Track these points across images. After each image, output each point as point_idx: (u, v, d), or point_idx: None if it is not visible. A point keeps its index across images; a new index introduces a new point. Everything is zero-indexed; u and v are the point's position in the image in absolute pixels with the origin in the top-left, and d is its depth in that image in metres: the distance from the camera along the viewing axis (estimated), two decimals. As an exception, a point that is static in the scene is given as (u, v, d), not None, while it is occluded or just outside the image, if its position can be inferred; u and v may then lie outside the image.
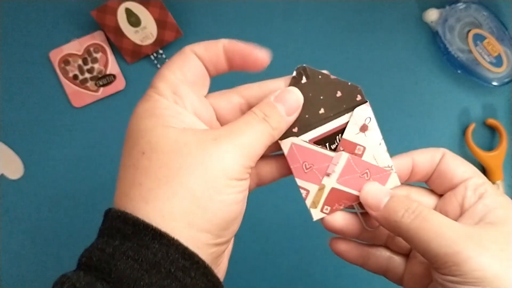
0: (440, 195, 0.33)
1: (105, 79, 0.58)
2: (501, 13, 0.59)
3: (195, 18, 0.59)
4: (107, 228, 0.27)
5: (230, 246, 0.34)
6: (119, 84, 0.58)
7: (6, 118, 0.58)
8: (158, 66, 0.58)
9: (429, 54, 0.60)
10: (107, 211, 0.28)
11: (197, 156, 0.27)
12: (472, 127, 0.58)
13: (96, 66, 0.58)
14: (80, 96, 0.58)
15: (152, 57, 0.58)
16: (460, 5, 0.58)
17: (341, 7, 0.60)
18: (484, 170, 0.59)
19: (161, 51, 0.58)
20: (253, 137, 0.28)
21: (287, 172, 0.35)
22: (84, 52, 0.57)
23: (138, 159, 0.28)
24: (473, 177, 0.31)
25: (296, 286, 0.59)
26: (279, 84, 0.32)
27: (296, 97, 0.31)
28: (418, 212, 0.29)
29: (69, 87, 0.58)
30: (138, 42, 0.57)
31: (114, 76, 0.58)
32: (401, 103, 0.60)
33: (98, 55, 0.58)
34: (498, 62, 0.58)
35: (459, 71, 0.58)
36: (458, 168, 0.32)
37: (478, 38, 0.58)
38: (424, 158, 0.33)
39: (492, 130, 0.60)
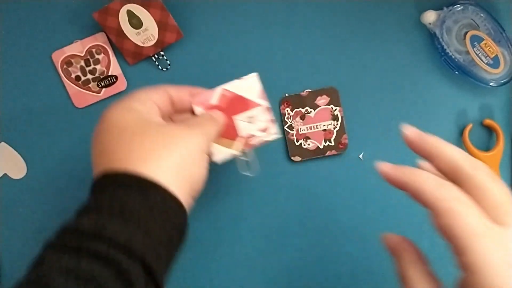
0: None
1: (107, 80, 0.59)
2: (499, 14, 0.59)
3: (196, 20, 0.60)
4: (115, 181, 0.36)
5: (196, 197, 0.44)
6: (121, 85, 0.59)
7: (9, 118, 0.59)
8: (159, 67, 0.59)
9: (427, 56, 0.60)
10: (102, 174, 0.38)
11: (181, 137, 0.38)
12: (469, 127, 0.59)
13: (98, 67, 0.59)
14: (82, 97, 0.59)
15: (153, 58, 0.59)
16: (458, 7, 0.59)
17: (340, 8, 0.60)
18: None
19: (162, 53, 0.59)
20: (210, 128, 0.43)
21: None
22: (86, 53, 0.58)
23: (131, 140, 0.37)
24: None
25: (296, 286, 0.60)
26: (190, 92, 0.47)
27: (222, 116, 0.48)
28: None
29: (72, 88, 0.59)
30: (139, 43, 0.58)
31: (115, 77, 0.59)
32: (398, 104, 0.60)
33: (100, 57, 0.58)
34: (495, 63, 0.58)
35: (456, 72, 0.59)
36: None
37: (476, 39, 0.58)
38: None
39: (489, 130, 0.60)
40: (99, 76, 0.59)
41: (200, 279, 0.60)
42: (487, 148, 0.60)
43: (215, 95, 0.48)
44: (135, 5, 0.56)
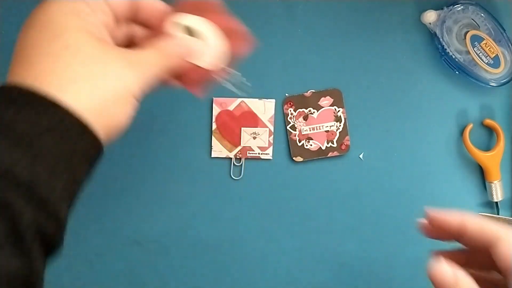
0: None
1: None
2: (499, 14, 0.60)
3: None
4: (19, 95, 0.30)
5: None
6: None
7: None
8: None
9: (427, 55, 0.60)
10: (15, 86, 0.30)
11: (114, 72, 0.32)
12: (469, 127, 0.59)
13: None
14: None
15: None
16: (458, 7, 0.59)
17: (340, 8, 0.60)
18: (482, 170, 0.60)
19: None
20: (153, 71, 0.35)
21: None
22: None
23: (61, 50, 0.31)
24: None
25: (296, 286, 0.60)
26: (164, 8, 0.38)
27: (189, 46, 0.38)
28: None
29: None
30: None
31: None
32: (399, 104, 0.60)
33: None
34: (495, 63, 0.58)
35: (457, 72, 0.59)
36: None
37: (476, 39, 0.58)
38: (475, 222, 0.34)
39: (490, 130, 0.61)
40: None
41: (200, 279, 0.60)
42: (487, 148, 0.60)
43: (234, 103, 0.57)
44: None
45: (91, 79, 0.31)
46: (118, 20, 0.36)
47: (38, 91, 0.29)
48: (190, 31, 0.39)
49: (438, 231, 0.35)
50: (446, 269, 0.32)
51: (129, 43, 0.39)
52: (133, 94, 0.33)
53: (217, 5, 0.41)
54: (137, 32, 0.40)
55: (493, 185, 0.58)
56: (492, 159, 0.58)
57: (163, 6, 0.38)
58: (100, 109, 0.31)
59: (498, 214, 0.59)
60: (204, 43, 0.39)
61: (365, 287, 0.60)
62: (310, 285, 0.60)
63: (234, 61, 0.42)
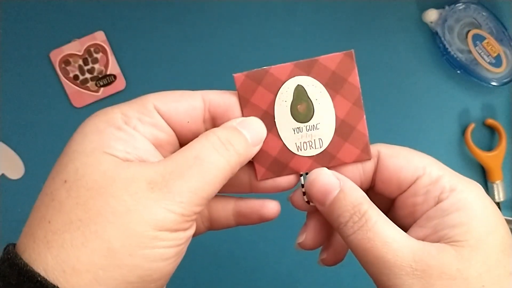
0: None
1: (106, 79, 0.58)
2: (501, 13, 0.59)
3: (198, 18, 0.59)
4: None
5: None
6: (119, 84, 0.58)
7: (7, 118, 0.58)
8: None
9: (429, 55, 0.60)
10: (6, 246, 0.22)
11: (124, 203, 0.21)
12: (471, 127, 0.59)
13: (96, 66, 0.58)
14: (81, 96, 0.58)
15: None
16: (460, 6, 0.58)
17: (341, 7, 0.60)
18: (483, 170, 0.59)
19: None
20: (205, 177, 0.23)
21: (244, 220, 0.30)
22: (84, 53, 0.58)
23: (58, 188, 0.23)
24: (425, 173, 0.25)
25: (296, 286, 0.60)
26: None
27: (261, 126, 0.28)
28: (364, 220, 0.24)
29: (70, 87, 0.58)
30: (292, 148, 0.30)
31: (114, 76, 0.58)
32: (400, 103, 0.60)
33: (99, 56, 0.58)
34: (497, 62, 0.58)
35: (458, 71, 0.59)
36: (403, 164, 0.26)
37: (478, 38, 0.58)
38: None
39: (492, 130, 0.60)
40: (97, 76, 0.58)
41: (200, 279, 0.59)
42: (489, 147, 0.60)
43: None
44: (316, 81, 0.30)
45: (85, 225, 0.21)
46: (187, 132, 0.26)
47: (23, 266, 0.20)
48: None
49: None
50: (329, 175, 0.26)
51: None
52: (163, 227, 0.22)
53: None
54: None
55: (495, 185, 0.58)
56: (494, 159, 0.58)
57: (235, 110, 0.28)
58: (106, 265, 0.21)
59: (500, 214, 0.59)
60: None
61: (365, 287, 0.59)
62: (311, 285, 0.59)
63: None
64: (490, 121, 0.59)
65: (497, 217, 0.24)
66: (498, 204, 0.59)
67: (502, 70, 0.58)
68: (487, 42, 0.58)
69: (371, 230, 0.23)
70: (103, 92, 0.58)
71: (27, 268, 0.20)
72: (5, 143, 0.58)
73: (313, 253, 0.59)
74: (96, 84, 0.58)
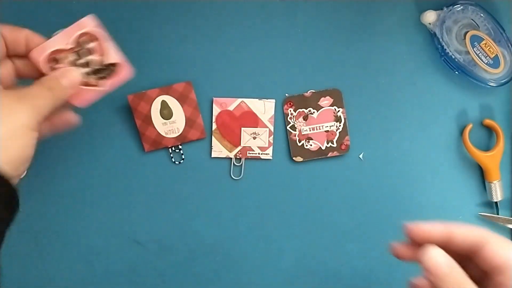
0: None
1: (107, 70, 0.48)
2: (498, 14, 0.60)
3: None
4: None
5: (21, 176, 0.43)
6: (124, 72, 0.48)
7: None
8: (173, 159, 0.60)
9: (427, 56, 0.61)
10: None
11: (6, 110, 0.37)
12: (469, 127, 0.59)
13: (92, 58, 0.47)
14: (83, 95, 0.47)
15: (170, 150, 0.59)
16: (458, 7, 0.59)
17: (340, 8, 0.60)
18: (481, 170, 0.60)
19: (180, 146, 0.60)
20: (43, 102, 0.40)
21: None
22: (73, 45, 0.46)
23: None
24: None
25: (296, 286, 0.60)
26: (27, 33, 0.43)
27: (76, 75, 0.44)
28: None
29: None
30: (162, 133, 0.58)
31: (114, 65, 0.47)
32: (399, 104, 0.60)
33: (92, 45, 0.47)
34: (495, 63, 0.58)
35: (456, 72, 0.59)
36: (505, 252, 0.32)
37: (476, 39, 0.58)
38: (461, 233, 0.34)
39: (489, 130, 0.61)
40: (96, 68, 0.47)
41: (200, 279, 0.60)
42: (487, 148, 0.60)
43: (235, 103, 0.59)
44: (171, 98, 0.58)
45: None
46: None
47: None
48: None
49: (414, 247, 0.35)
50: (441, 256, 0.32)
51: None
52: (27, 126, 0.38)
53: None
54: (20, 67, 0.44)
55: (492, 185, 0.59)
56: (491, 159, 0.58)
57: (28, 33, 0.43)
58: (2, 151, 0.36)
59: (498, 214, 0.60)
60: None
61: (365, 287, 0.60)
62: (310, 285, 0.60)
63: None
64: (488, 121, 0.59)
65: None
66: (496, 203, 0.59)
67: (500, 71, 0.58)
68: (485, 43, 0.58)
69: None
70: (108, 84, 0.48)
71: None
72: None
73: (313, 253, 0.60)
74: (97, 78, 0.47)
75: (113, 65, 0.48)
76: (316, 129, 0.59)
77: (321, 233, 0.60)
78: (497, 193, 0.59)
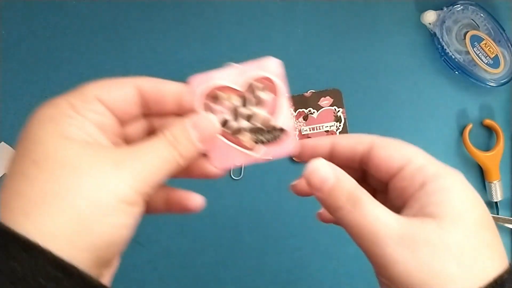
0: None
1: (268, 134, 0.33)
2: (498, 15, 0.60)
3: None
4: None
5: (112, 268, 0.33)
6: (289, 145, 0.33)
7: (9, 118, 0.58)
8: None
9: (427, 56, 0.61)
10: None
11: (92, 178, 0.25)
12: (469, 127, 0.59)
13: (259, 112, 0.33)
14: (224, 154, 0.34)
15: None
16: (458, 7, 0.59)
17: (340, 9, 0.60)
18: (481, 170, 0.60)
19: None
20: (156, 165, 0.28)
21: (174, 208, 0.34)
22: (245, 88, 0.33)
23: (28, 167, 0.25)
24: (412, 161, 0.29)
25: (296, 286, 0.60)
26: (178, 87, 0.30)
27: (212, 125, 0.30)
28: (358, 202, 0.27)
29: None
30: None
31: (281, 131, 0.33)
32: (399, 104, 0.60)
33: (265, 96, 0.33)
34: (495, 63, 0.58)
35: (456, 72, 0.59)
36: (392, 154, 0.30)
37: (476, 39, 0.58)
38: (346, 142, 0.32)
39: (489, 130, 0.61)
40: (258, 126, 0.33)
41: (200, 279, 0.60)
42: (487, 148, 0.60)
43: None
44: None
45: (59, 196, 0.24)
46: (125, 117, 0.30)
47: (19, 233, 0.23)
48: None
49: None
50: (325, 166, 0.28)
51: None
52: (124, 200, 0.26)
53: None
54: (158, 124, 0.32)
55: (492, 185, 0.59)
56: (491, 159, 0.58)
57: (180, 88, 0.30)
58: (78, 230, 0.24)
59: (497, 214, 0.60)
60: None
61: (365, 287, 0.60)
62: (310, 285, 0.60)
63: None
64: (488, 121, 0.60)
65: (476, 198, 0.27)
66: (496, 203, 0.59)
67: (499, 71, 0.58)
68: (485, 43, 0.58)
69: (364, 209, 0.27)
70: (263, 152, 0.32)
71: (9, 229, 0.23)
72: (6, 143, 0.58)
73: (312, 253, 0.60)
74: (254, 139, 0.33)
75: (280, 130, 0.34)
76: (316, 129, 0.59)
77: (321, 232, 0.60)
78: (497, 193, 0.59)
